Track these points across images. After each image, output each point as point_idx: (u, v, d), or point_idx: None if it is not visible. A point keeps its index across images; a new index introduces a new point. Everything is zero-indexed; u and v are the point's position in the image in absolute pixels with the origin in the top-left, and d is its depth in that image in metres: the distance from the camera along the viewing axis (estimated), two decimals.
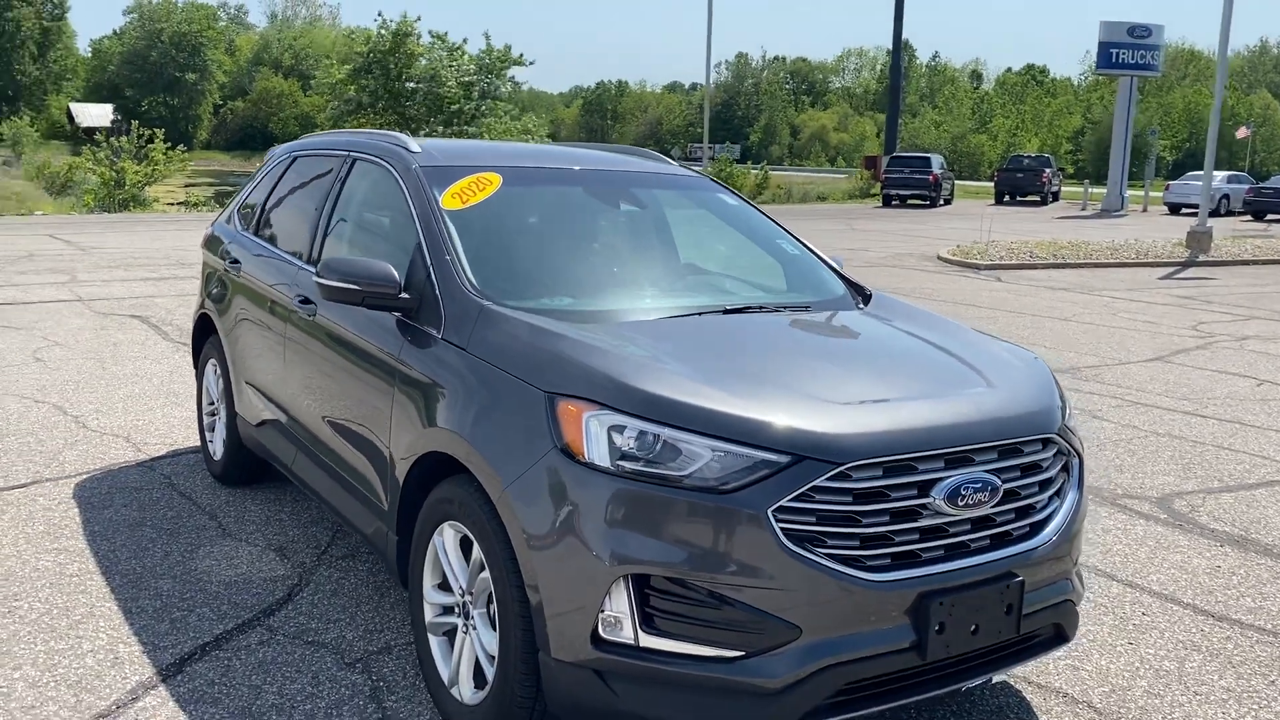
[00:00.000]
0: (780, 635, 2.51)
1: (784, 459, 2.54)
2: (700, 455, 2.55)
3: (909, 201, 36.39)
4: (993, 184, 42.68)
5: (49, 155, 42.69)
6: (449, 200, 3.61)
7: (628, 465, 2.56)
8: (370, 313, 3.50)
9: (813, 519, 2.54)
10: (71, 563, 4.18)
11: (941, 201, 36.85)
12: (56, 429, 6.07)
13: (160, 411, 6.54)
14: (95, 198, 26.26)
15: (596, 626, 2.57)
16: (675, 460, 2.55)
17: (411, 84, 31.64)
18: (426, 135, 34.66)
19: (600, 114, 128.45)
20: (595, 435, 2.60)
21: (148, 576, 4.08)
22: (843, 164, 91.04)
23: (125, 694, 3.21)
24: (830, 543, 2.55)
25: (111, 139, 27.56)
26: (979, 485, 2.71)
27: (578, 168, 4.28)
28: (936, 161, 37.40)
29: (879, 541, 2.61)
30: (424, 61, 31.65)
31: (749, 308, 3.55)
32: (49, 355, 8.11)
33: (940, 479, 2.68)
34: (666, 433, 2.57)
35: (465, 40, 33.20)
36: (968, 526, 2.74)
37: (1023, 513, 2.87)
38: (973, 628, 2.69)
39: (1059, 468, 3.01)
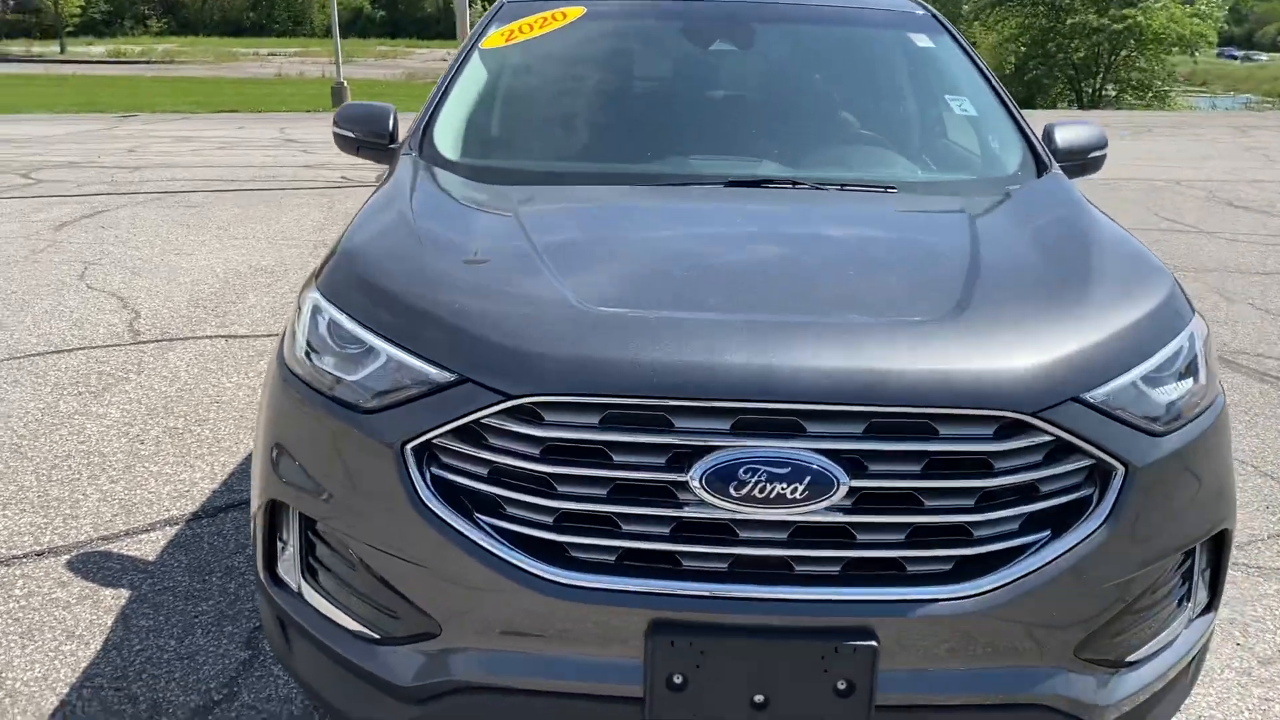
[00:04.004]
0: (414, 626, 1.80)
1: (447, 376, 1.77)
2: (375, 360, 1.87)
3: None
4: None
5: None
6: (491, 39, 3.23)
7: (310, 360, 1.97)
8: None
9: (483, 472, 1.74)
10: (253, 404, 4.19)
11: None
12: None
13: None
14: None
15: (275, 560, 2.03)
16: (351, 365, 1.90)
17: None
18: (1075, 23, 32.14)
19: None
20: (305, 317, 2.06)
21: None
22: None
23: (50, 548, 3.07)
24: (510, 512, 1.74)
25: None
26: (786, 471, 1.63)
27: None
28: None
29: (597, 527, 1.71)
30: None
31: (768, 181, 2.67)
32: None
33: (709, 448, 1.65)
34: (354, 329, 1.92)
35: None
36: (783, 535, 1.69)
37: (930, 535, 1.71)
38: (757, 699, 1.69)
39: (1060, 475, 1.74)
